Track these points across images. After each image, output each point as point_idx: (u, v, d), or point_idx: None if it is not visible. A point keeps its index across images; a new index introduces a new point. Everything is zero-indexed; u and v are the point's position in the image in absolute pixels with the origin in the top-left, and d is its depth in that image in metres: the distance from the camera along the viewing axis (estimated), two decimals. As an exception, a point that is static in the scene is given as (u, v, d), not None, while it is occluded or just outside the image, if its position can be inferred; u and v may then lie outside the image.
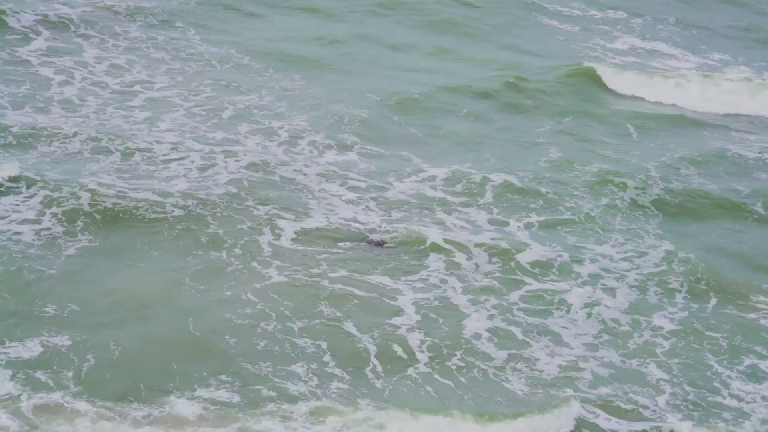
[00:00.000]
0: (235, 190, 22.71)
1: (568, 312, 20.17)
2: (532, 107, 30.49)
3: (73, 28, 31.01)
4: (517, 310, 20.00)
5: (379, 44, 34.69)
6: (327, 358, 17.94)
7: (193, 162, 23.81)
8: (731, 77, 34.47)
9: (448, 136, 27.75)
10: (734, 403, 18.08)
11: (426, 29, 37.00)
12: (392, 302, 19.71)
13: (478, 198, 24.16)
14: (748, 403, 18.14)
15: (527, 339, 19.17)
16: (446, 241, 21.87)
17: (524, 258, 21.65)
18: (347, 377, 17.47)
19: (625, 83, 32.88)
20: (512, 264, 21.42)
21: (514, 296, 20.41)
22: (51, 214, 20.79)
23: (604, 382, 18.23)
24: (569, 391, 17.81)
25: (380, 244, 21.58)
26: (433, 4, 39.25)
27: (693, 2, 44.82)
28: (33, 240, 19.94)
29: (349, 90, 29.58)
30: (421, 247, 21.61)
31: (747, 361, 19.40)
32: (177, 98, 27.38)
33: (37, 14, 31.12)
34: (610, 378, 18.36)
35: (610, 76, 33.02)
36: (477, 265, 21.22)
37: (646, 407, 17.63)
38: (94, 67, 28.81)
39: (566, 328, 19.68)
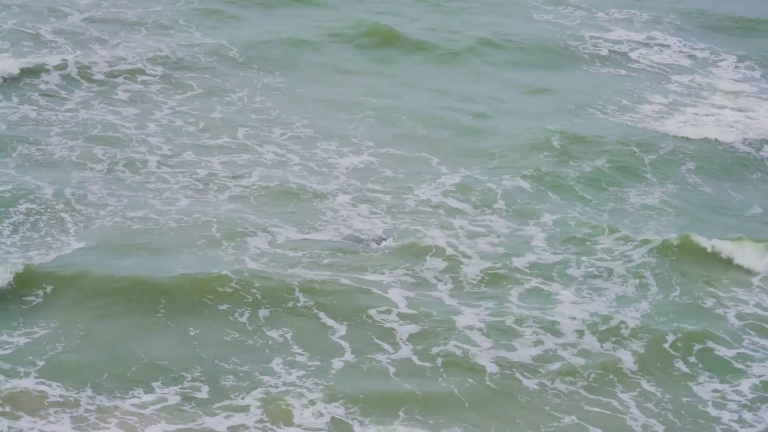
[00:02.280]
0: (237, 202, 22.42)
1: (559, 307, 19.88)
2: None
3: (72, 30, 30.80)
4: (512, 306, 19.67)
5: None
6: (297, 349, 17.70)
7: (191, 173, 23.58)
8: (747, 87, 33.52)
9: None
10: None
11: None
12: (383, 295, 19.38)
13: (489, 203, 23.58)
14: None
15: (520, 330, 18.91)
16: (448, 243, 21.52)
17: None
18: (319, 371, 17.19)
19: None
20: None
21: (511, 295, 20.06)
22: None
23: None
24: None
25: (379, 241, 21.25)
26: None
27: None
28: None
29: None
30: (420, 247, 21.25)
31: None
32: (170, 100, 27.18)
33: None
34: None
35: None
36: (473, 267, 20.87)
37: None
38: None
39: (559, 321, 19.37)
